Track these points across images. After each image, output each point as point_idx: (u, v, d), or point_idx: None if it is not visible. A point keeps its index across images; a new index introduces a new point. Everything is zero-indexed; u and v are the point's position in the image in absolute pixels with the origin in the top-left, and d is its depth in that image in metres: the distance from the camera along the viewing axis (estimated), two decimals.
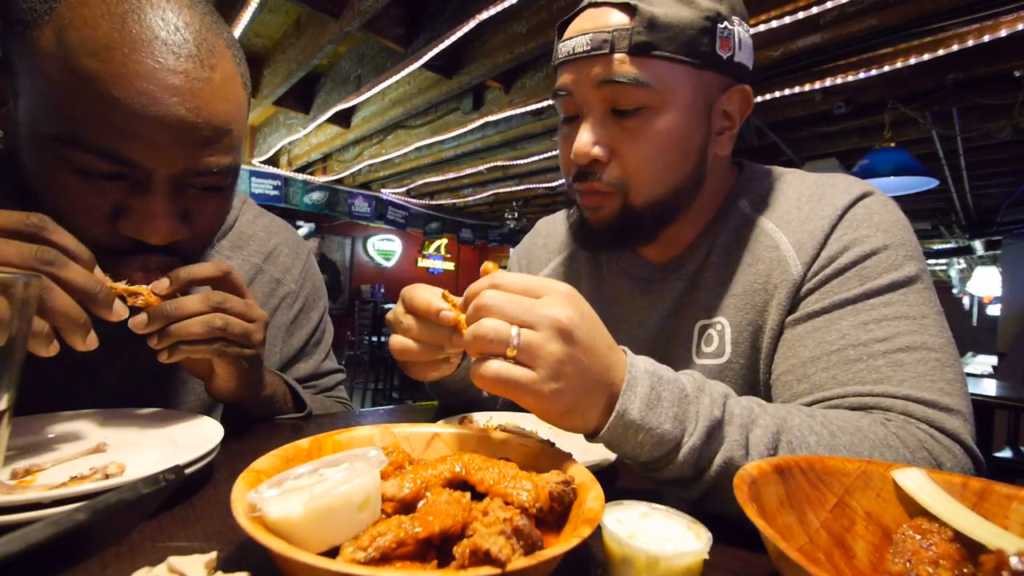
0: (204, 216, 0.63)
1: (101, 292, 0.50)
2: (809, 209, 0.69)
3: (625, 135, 0.66)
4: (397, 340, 0.64)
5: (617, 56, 0.63)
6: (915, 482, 0.41)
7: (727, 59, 0.66)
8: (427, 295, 0.61)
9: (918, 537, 0.37)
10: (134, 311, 0.56)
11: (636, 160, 0.67)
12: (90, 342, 0.50)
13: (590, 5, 0.68)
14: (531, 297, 0.45)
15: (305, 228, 7.12)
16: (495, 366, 0.44)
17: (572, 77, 0.67)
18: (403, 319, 0.63)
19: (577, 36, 0.66)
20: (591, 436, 0.49)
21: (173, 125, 0.54)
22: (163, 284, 0.57)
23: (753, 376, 0.72)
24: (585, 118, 0.68)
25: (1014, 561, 0.30)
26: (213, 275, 0.61)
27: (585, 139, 0.67)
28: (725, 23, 0.65)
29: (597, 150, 0.67)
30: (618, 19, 0.64)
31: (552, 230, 0.99)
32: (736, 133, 0.72)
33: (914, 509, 0.40)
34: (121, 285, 0.55)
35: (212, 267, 0.60)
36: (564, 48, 0.68)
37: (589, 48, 0.64)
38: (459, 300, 0.63)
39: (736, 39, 0.67)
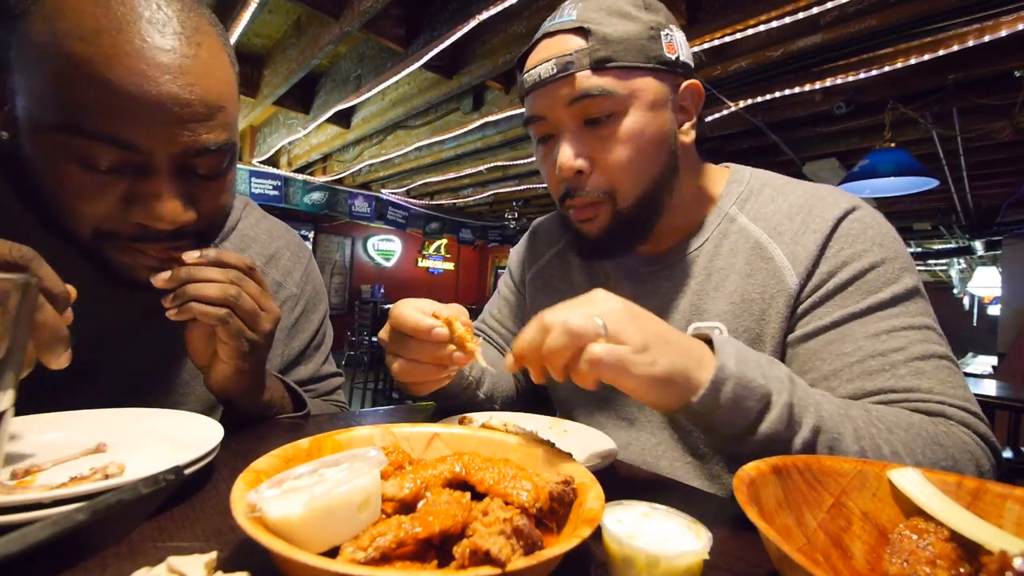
0: (208, 202, 0.64)
1: (62, 343, 0.48)
2: (800, 221, 0.72)
3: (602, 143, 0.71)
4: (398, 364, 0.63)
5: (582, 74, 0.69)
6: (911, 482, 0.41)
7: (675, 60, 0.73)
8: (414, 315, 0.61)
9: (914, 537, 0.37)
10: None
11: (616, 163, 0.71)
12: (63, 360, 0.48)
13: (545, 36, 0.73)
14: (582, 307, 0.48)
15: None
16: (598, 349, 0.45)
17: (544, 101, 0.72)
18: (396, 340, 0.63)
19: (540, 65, 0.71)
20: (687, 408, 0.50)
21: (167, 102, 0.55)
22: (193, 254, 0.61)
23: None
24: (562, 136, 0.72)
25: (1018, 563, 0.30)
26: (238, 265, 0.64)
27: (567, 154, 0.71)
28: (666, 30, 0.72)
29: (580, 162, 0.71)
30: (575, 43, 0.70)
31: (547, 226, 1.03)
32: (696, 122, 0.77)
33: (910, 509, 0.40)
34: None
35: (239, 258, 0.65)
36: (530, 77, 0.73)
37: (555, 72, 0.70)
38: (449, 312, 0.62)
39: (678, 42, 0.74)
